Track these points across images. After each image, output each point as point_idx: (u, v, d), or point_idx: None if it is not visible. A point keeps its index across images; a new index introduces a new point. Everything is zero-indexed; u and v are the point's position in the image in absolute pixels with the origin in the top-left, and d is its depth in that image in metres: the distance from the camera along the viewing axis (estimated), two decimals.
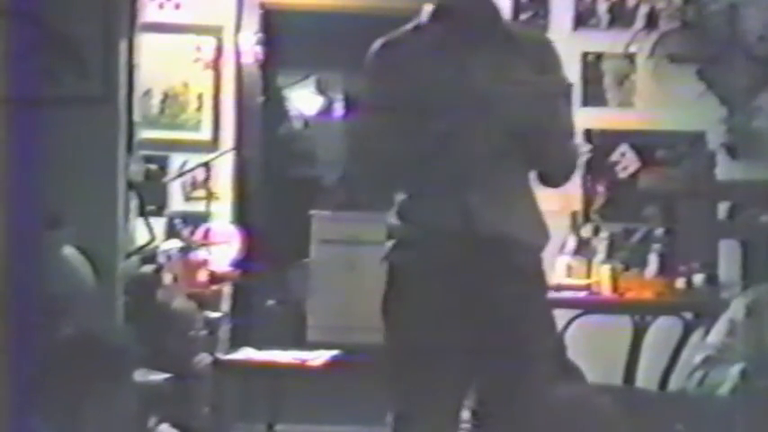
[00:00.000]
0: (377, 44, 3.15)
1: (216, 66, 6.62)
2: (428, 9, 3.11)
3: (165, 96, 6.56)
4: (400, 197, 3.09)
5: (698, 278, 5.68)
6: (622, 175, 6.04)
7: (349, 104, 9.92)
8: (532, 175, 3.12)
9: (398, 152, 3.01)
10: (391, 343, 3.08)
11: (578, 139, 3.22)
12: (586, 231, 5.91)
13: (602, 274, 5.61)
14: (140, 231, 5.22)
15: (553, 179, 3.16)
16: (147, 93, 6.28)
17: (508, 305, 2.99)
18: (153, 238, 5.34)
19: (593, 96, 6.03)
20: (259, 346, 5.53)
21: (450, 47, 3.04)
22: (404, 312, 3.04)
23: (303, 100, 10.07)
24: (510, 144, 2.98)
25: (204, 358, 5.38)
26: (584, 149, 3.09)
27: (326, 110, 10.12)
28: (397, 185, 3.09)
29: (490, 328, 2.97)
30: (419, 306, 3.00)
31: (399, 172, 3.04)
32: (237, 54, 6.70)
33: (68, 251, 4.48)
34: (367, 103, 3.14)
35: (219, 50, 6.62)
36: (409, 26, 3.15)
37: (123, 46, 4.78)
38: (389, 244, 3.09)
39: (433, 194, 3.02)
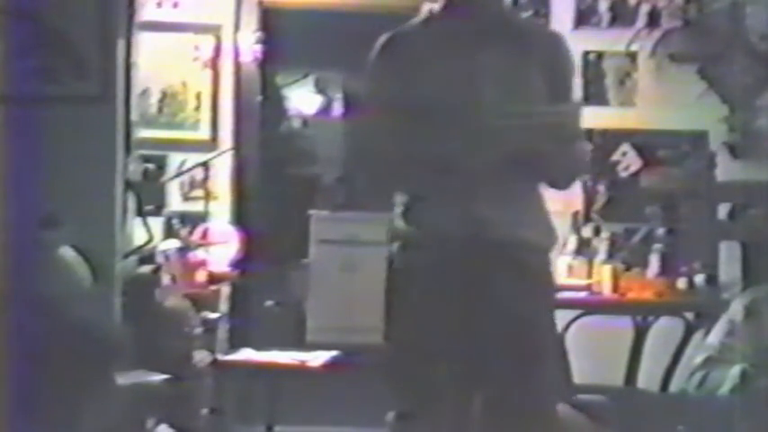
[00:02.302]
0: (383, 38, 3.09)
1: (214, 65, 6.62)
2: (439, 2, 3.05)
3: (164, 95, 6.56)
4: (404, 198, 3.05)
5: (699, 278, 5.69)
6: (623, 174, 6.03)
7: (348, 103, 9.92)
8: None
9: (401, 151, 2.97)
10: (395, 344, 3.06)
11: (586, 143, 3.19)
12: (587, 231, 5.91)
13: (603, 275, 5.61)
14: (138, 231, 5.22)
15: (559, 181, 3.15)
16: (146, 92, 6.29)
17: (515, 305, 2.96)
18: (151, 238, 5.34)
19: (595, 95, 6.02)
20: (258, 347, 5.52)
21: (455, 43, 2.99)
22: (409, 314, 3.01)
23: (302, 99, 10.07)
24: (516, 145, 2.93)
25: (203, 359, 5.38)
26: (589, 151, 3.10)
27: (325, 109, 10.13)
28: (400, 186, 3.05)
29: (496, 329, 2.95)
30: (425, 308, 2.97)
31: (402, 172, 3.01)
32: (236, 53, 6.70)
33: (66, 251, 4.48)
34: (370, 101, 3.09)
35: (218, 49, 6.62)
36: (417, 19, 3.09)
37: (121, 45, 4.79)
38: (395, 246, 3.06)
39: (438, 196, 2.98)
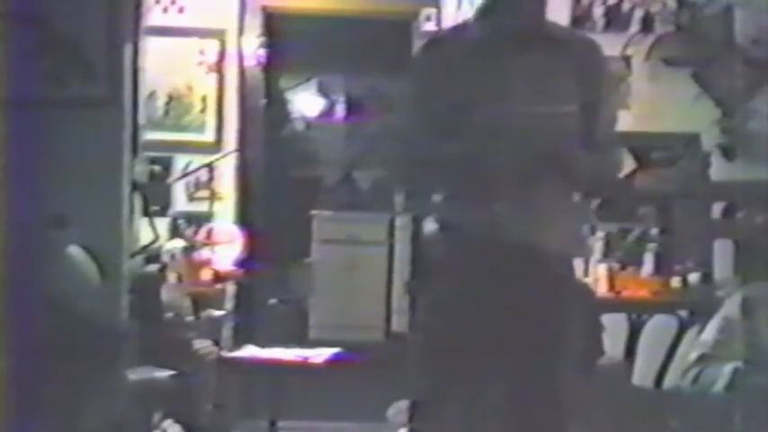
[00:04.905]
0: (425, 41, 3.18)
1: (219, 69, 6.66)
2: (479, 6, 3.10)
3: (170, 99, 6.60)
4: (438, 198, 3.12)
5: (693, 277, 5.72)
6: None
7: (350, 106, 9.98)
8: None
9: (436, 152, 3.01)
10: (422, 333, 3.12)
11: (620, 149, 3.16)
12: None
13: (599, 274, 5.65)
14: (145, 231, 5.29)
15: (591, 188, 3.21)
16: (152, 95, 6.33)
17: (531, 310, 2.99)
18: (157, 238, 5.40)
19: None
20: (262, 344, 5.55)
21: (490, 47, 3.03)
22: (436, 306, 3.08)
23: (305, 102, 10.11)
24: (544, 151, 2.95)
25: (206, 353, 5.44)
26: (622, 158, 3.08)
27: (328, 112, 10.16)
28: (435, 185, 3.12)
29: (512, 327, 2.99)
30: (450, 302, 3.03)
31: (437, 171, 3.05)
32: (240, 57, 6.74)
33: (74, 250, 4.54)
34: (410, 101, 3.15)
35: (223, 54, 6.67)
36: (459, 23, 3.17)
37: (128, 49, 4.82)
38: (428, 241, 3.15)
39: (463, 198, 3.03)
